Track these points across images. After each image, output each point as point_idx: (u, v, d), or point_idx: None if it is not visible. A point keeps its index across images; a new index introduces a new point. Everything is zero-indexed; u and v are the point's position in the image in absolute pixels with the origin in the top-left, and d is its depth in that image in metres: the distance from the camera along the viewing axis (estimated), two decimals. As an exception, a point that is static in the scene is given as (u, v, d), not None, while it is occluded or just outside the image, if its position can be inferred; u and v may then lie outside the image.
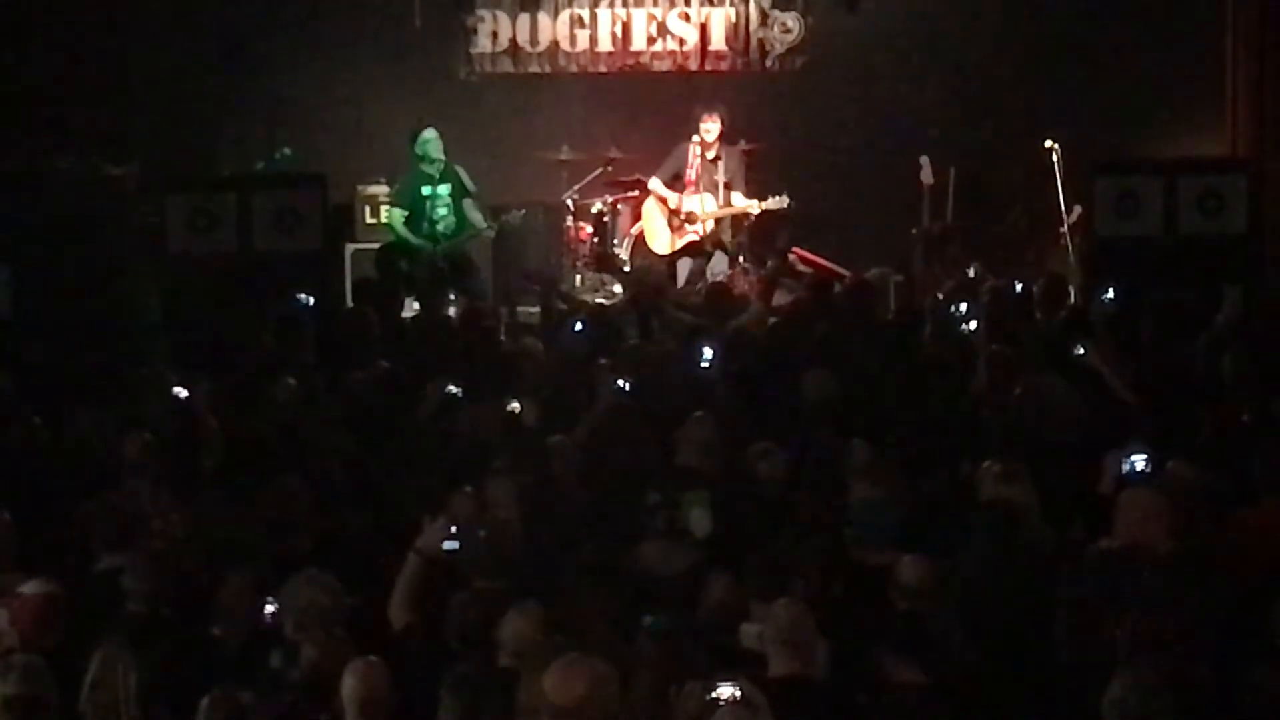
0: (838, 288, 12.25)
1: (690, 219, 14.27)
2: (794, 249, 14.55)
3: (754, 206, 14.09)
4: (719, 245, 14.29)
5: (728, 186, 14.16)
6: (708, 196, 14.19)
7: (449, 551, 7.18)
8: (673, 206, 14.30)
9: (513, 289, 13.81)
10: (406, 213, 13.61)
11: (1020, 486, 7.63)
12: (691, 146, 14.21)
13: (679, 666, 6.09)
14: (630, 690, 5.97)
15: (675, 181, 14.34)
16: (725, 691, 5.63)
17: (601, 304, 13.00)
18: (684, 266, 14.32)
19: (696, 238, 14.31)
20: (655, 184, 14.35)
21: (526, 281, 13.65)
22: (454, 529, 7.23)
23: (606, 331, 11.02)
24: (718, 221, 14.26)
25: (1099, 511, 7.62)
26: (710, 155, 14.19)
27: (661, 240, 14.43)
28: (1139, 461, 7.81)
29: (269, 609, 6.74)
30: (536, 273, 13.83)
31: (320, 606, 6.65)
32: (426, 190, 13.64)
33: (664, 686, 5.99)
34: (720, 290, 12.51)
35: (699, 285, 13.69)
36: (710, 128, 14.10)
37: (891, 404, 9.47)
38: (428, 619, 6.91)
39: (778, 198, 14.01)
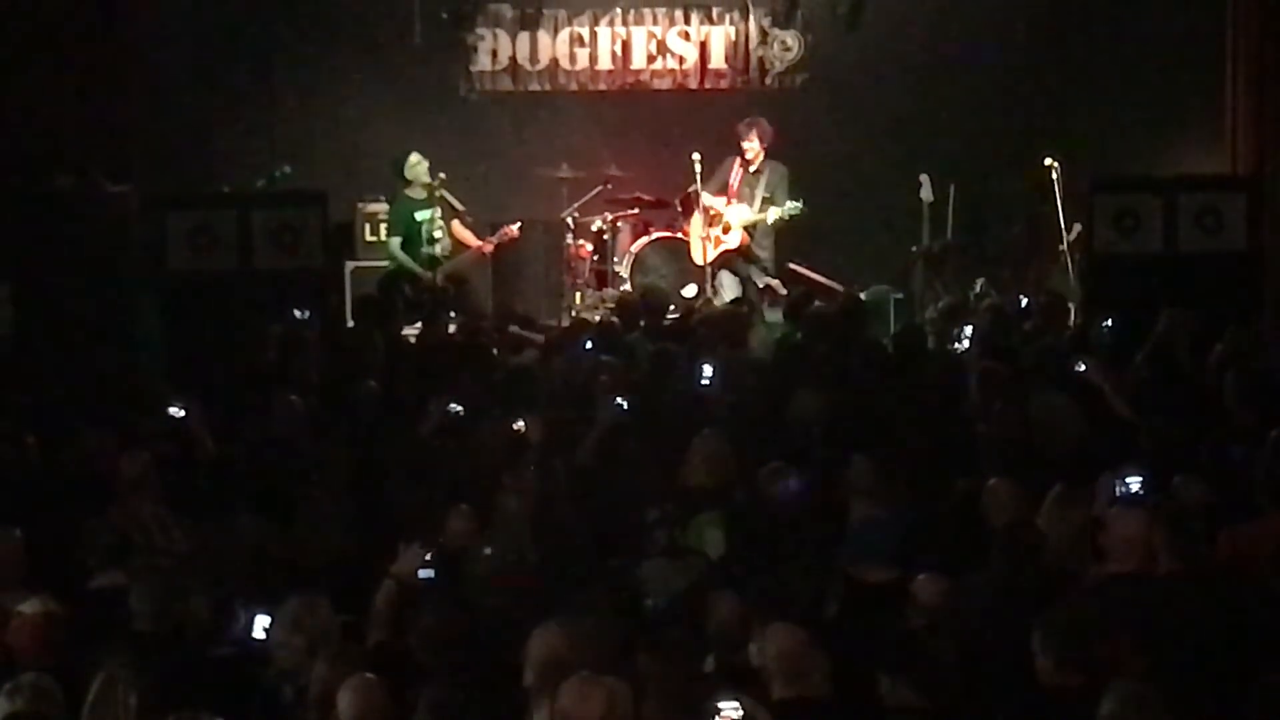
0: (818, 303, 12.29)
1: (725, 229, 14.28)
2: (790, 265, 14.58)
3: (770, 214, 14.08)
4: (749, 256, 14.27)
5: (768, 200, 14.14)
6: (743, 207, 14.20)
7: (424, 580, 7.19)
8: (713, 214, 14.26)
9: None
10: (402, 238, 13.66)
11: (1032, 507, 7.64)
12: (736, 159, 14.23)
13: (684, 683, 6.11)
14: (636, 708, 5.98)
15: (719, 194, 14.32)
16: (728, 709, 5.63)
17: (610, 322, 12.97)
18: (726, 278, 14.31)
19: (729, 247, 14.30)
20: (705, 196, 14.27)
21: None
22: (429, 556, 7.25)
23: (614, 349, 11.03)
24: (748, 231, 14.26)
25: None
26: (753, 169, 14.19)
27: (699, 250, 14.40)
28: (1134, 484, 7.78)
29: (261, 628, 6.72)
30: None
31: (312, 632, 6.65)
32: (420, 215, 13.70)
33: (670, 703, 6.00)
34: (713, 317, 12.51)
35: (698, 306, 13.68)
36: (750, 145, 14.10)
37: (890, 422, 9.46)
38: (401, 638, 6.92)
39: (792, 203, 14.00)
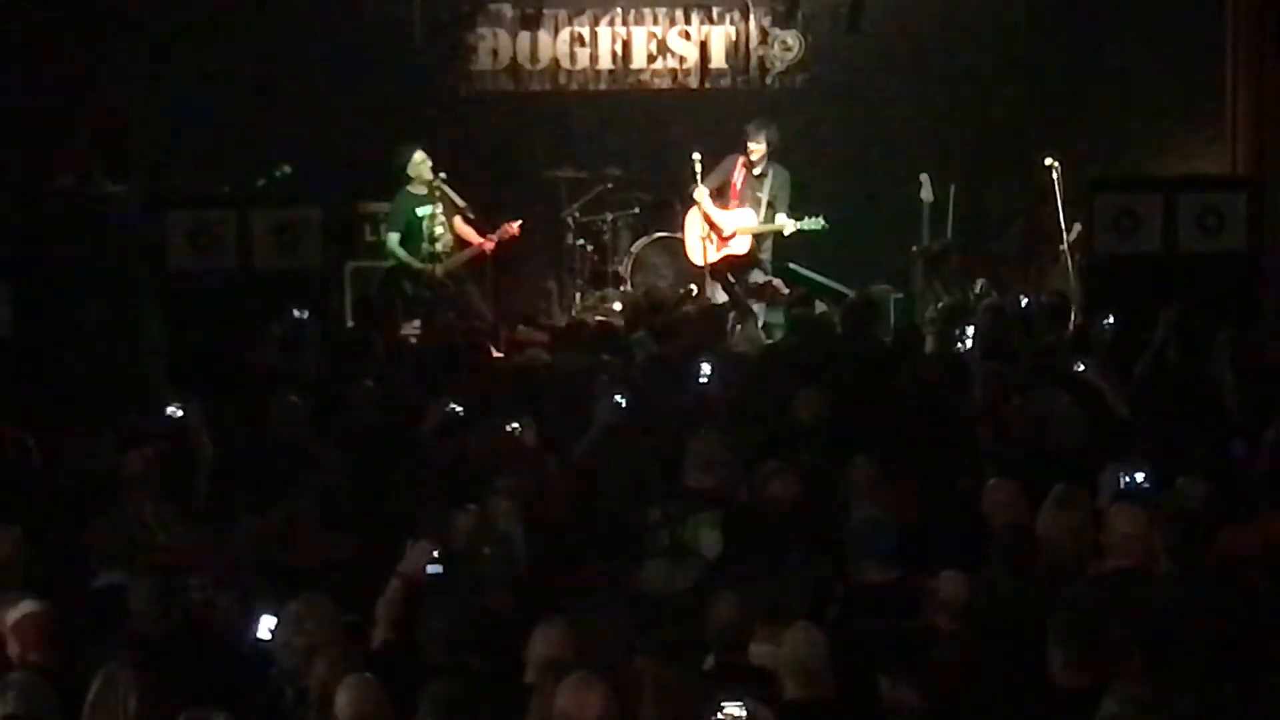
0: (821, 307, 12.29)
1: (732, 234, 14.18)
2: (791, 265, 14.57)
3: (788, 226, 13.99)
4: (755, 263, 14.22)
5: (771, 205, 14.08)
6: (749, 211, 14.11)
7: (432, 575, 7.19)
8: (714, 219, 14.15)
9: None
10: (400, 235, 13.66)
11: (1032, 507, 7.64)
12: (739, 159, 14.14)
13: (686, 685, 6.11)
14: (637, 708, 5.99)
15: (720, 193, 14.22)
16: (731, 708, 5.64)
17: (609, 322, 12.96)
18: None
19: (735, 252, 14.22)
20: (701, 193, 14.09)
21: None
22: (436, 553, 7.25)
23: (614, 349, 11.03)
24: (756, 238, 14.19)
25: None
26: (756, 171, 14.10)
27: (699, 251, 14.30)
28: (1138, 476, 7.79)
29: (266, 628, 6.73)
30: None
31: (313, 631, 6.65)
32: (421, 211, 13.68)
33: (670, 703, 6.01)
34: (709, 312, 12.50)
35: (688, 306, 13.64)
36: (756, 146, 13.97)
37: (890, 421, 9.47)
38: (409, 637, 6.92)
39: (813, 218, 13.94)
